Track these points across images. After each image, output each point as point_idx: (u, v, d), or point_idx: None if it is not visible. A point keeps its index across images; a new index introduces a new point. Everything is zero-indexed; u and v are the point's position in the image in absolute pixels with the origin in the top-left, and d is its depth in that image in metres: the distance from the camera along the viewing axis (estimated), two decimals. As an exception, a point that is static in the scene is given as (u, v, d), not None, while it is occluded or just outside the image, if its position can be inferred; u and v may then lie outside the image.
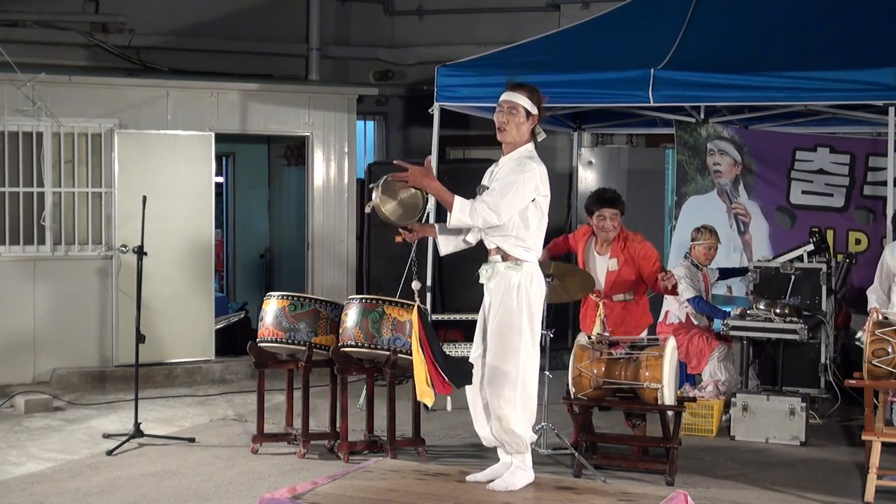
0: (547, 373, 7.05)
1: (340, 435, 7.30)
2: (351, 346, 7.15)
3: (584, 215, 11.66)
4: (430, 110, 9.05)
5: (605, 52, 9.01)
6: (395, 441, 7.20)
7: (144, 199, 8.01)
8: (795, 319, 7.97)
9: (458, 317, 9.61)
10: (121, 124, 10.04)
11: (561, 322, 9.80)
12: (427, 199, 5.46)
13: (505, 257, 5.39)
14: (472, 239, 5.52)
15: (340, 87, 11.61)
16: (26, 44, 10.95)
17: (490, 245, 5.44)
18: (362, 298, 7.24)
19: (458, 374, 5.51)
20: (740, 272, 9.34)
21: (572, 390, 6.97)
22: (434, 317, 8.49)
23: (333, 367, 7.40)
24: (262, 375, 7.70)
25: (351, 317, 7.17)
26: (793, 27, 8.92)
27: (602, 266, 7.44)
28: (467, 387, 5.55)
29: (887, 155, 8.17)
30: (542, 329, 6.04)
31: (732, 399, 8.05)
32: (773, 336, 8.12)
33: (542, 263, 5.57)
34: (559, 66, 8.85)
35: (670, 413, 6.97)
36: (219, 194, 11.77)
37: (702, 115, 9.97)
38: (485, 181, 5.49)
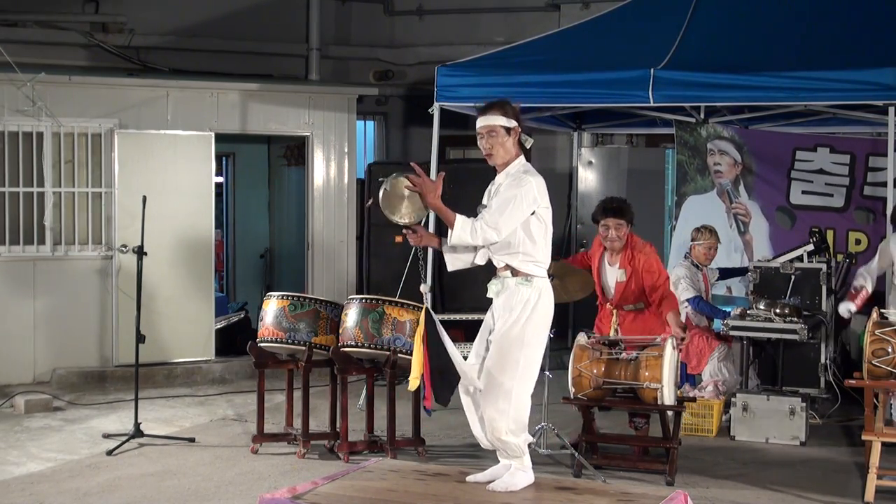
0: (547, 373, 7.05)
1: (340, 435, 7.30)
2: (351, 346, 7.15)
3: (583, 215, 11.81)
4: (430, 110, 9.06)
5: (605, 52, 9.01)
6: (395, 441, 7.20)
7: (144, 199, 8.01)
8: (795, 319, 7.97)
9: (458, 317, 9.61)
10: (121, 124, 10.04)
11: (561, 322, 9.80)
12: (426, 209, 5.47)
13: (515, 273, 5.40)
14: (480, 260, 5.52)
15: (340, 87, 11.61)
16: (26, 44, 10.95)
17: (499, 263, 5.44)
18: (362, 298, 7.24)
19: (442, 390, 5.47)
20: (740, 272, 9.34)
21: (572, 390, 6.97)
22: (435, 317, 8.47)
23: (333, 367, 7.40)
24: (262, 375, 7.70)
25: (351, 317, 7.17)
26: (793, 27, 8.93)
27: (612, 276, 7.39)
28: (461, 392, 5.54)
29: (887, 155, 8.17)
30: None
31: (732, 399, 8.05)
32: (773, 336, 8.12)
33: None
34: (559, 66, 8.85)
35: (670, 413, 6.97)
36: (219, 194, 11.77)
37: (702, 115, 9.97)
38: (484, 200, 5.49)
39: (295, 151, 12.04)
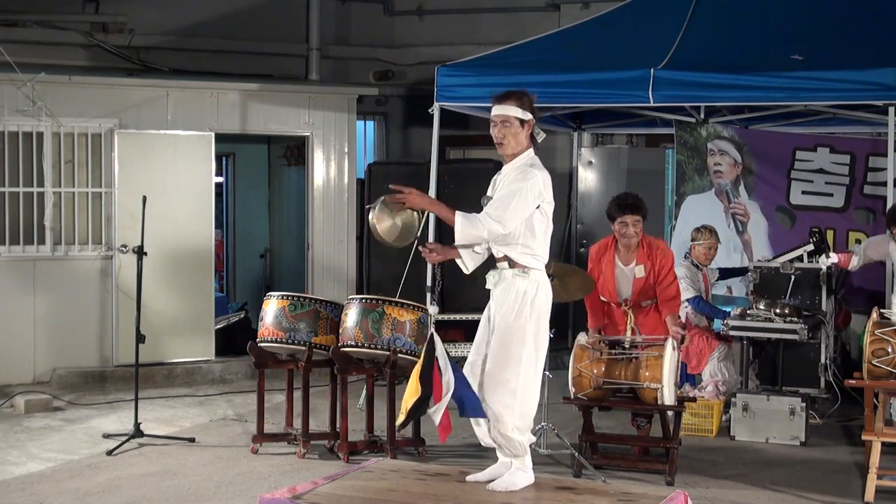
0: (547, 373, 7.05)
1: (340, 435, 7.30)
2: (351, 346, 7.15)
3: (583, 215, 11.81)
4: (430, 110, 9.05)
5: (605, 52, 9.01)
6: (395, 441, 7.20)
7: (144, 199, 8.01)
8: (795, 319, 7.97)
9: (458, 317, 9.61)
10: (121, 124, 10.04)
11: (561, 322, 9.80)
12: (422, 221, 5.46)
13: (512, 264, 5.38)
14: (481, 250, 5.51)
15: (340, 87, 11.61)
16: (26, 44, 10.94)
17: (498, 254, 5.43)
18: (362, 298, 7.24)
19: (414, 414, 5.42)
20: (740, 272, 9.34)
21: (572, 390, 6.97)
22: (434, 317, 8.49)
23: (333, 367, 7.40)
24: (262, 375, 7.70)
25: (351, 317, 7.17)
26: (793, 27, 8.92)
27: (629, 275, 7.29)
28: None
29: (887, 155, 8.17)
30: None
31: (732, 399, 8.05)
32: (773, 336, 8.12)
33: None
34: (559, 66, 8.85)
35: (670, 413, 6.97)
36: (219, 194, 11.77)
37: (702, 115, 9.97)
38: (489, 192, 5.47)
39: (295, 151, 12.03)
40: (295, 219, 12.01)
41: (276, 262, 12.90)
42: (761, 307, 8.11)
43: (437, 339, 5.35)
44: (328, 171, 10.98)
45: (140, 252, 7.92)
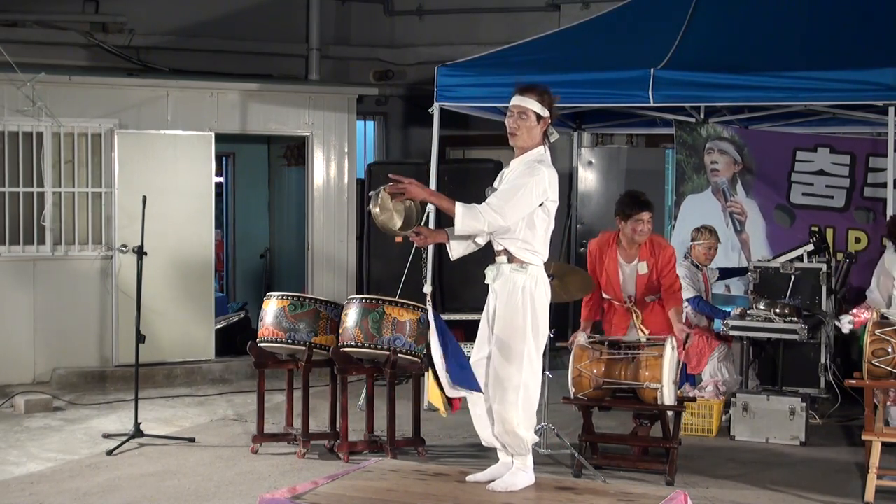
0: (547, 373, 7.05)
1: (340, 435, 7.30)
2: (351, 346, 7.15)
3: (583, 215, 11.81)
4: (430, 110, 9.05)
5: (605, 52, 9.01)
6: (395, 441, 7.20)
7: (144, 199, 8.01)
8: (795, 319, 7.97)
9: (458, 317, 9.60)
10: (121, 124, 10.04)
11: (561, 322, 9.79)
12: (422, 209, 5.45)
13: (511, 259, 5.38)
14: (480, 241, 5.50)
15: (340, 87, 11.61)
16: (26, 44, 10.95)
17: (497, 247, 5.42)
18: (362, 298, 7.24)
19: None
20: (740, 272, 9.34)
21: (572, 390, 6.97)
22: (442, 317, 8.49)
23: (333, 367, 7.40)
24: (262, 375, 7.70)
25: (351, 317, 7.17)
26: (793, 27, 8.92)
27: (632, 272, 7.32)
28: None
29: (887, 155, 8.16)
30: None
31: (732, 399, 8.05)
32: (773, 336, 8.12)
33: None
34: (559, 65, 8.85)
35: (670, 413, 6.97)
36: (219, 194, 11.77)
37: (702, 115, 9.97)
38: (496, 184, 5.47)
39: (295, 151, 12.03)
40: (295, 219, 12.01)
41: (276, 262, 12.90)
42: (761, 307, 8.11)
43: (431, 318, 5.37)
44: (328, 171, 10.98)
45: (140, 252, 7.92)
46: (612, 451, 7.27)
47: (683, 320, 8.60)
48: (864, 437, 6.58)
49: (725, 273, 9.34)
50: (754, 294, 8.50)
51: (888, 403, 7.25)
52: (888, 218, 7.93)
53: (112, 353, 9.96)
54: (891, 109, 7.97)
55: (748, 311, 8.17)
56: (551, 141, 5.50)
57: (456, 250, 5.53)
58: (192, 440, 7.79)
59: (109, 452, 7.42)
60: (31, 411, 8.69)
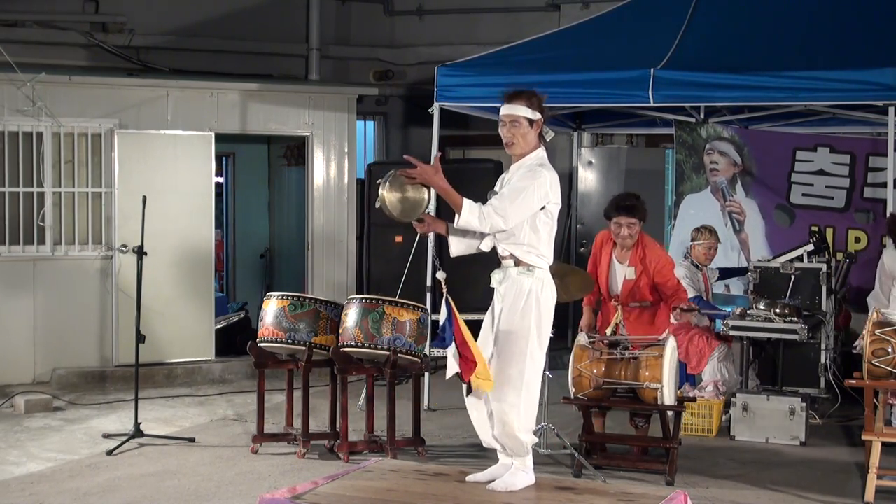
0: (547, 373, 7.05)
1: (340, 435, 7.30)
2: (351, 346, 7.15)
3: (583, 215, 11.81)
4: (430, 110, 9.05)
5: (605, 52, 9.01)
6: (395, 441, 7.20)
7: (144, 199, 8.01)
8: (795, 319, 7.97)
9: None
10: (121, 124, 10.04)
11: (561, 322, 9.78)
12: (430, 197, 5.44)
13: (517, 263, 5.38)
14: (485, 247, 5.49)
15: (340, 87, 11.61)
16: (26, 44, 10.96)
17: (504, 253, 5.43)
18: (362, 298, 7.24)
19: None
20: (740, 272, 9.34)
21: (572, 390, 6.97)
22: (435, 317, 8.47)
23: (333, 367, 7.40)
24: (262, 375, 7.70)
25: (351, 317, 7.16)
26: (793, 27, 8.92)
27: (620, 273, 7.32)
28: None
29: (887, 155, 8.16)
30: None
31: (732, 399, 8.05)
32: (773, 336, 8.12)
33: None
34: (559, 65, 8.85)
35: (670, 413, 6.97)
36: (219, 194, 11.77)
37: (702, 115, 9.98)
38: (496, 188, 5.46)
39: (295, 151, 12.04)
40: (295, 219, 12.01)
41: (276, 262, 12.90)
42: (761, 307, 8.11)
43: (444, 305, 5.36)
44: (328, 171, 10.98)
45: (140, 252, 7.92)
46: (612, 451, 7.27)
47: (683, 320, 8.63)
48: (864, 437, 6.58)
49: (725, 273, 9.34)
50: (754, 294, 8.50)
51: (889, 401, 7.25)
52: (888, 215, 7.93)
53: (112, 353, 9.96)
54: (891, 109, 7.97)
55: (748, 311, 8.17)
56: (547, 140, 5.50)
57: (455, 246, 5.53)
58: (192, 440, 7.78)
59: (109, 452, 7.42)
60: (31, 411, 8.69)
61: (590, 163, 11.93)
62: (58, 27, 11.40)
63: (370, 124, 13.32)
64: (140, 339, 7.85)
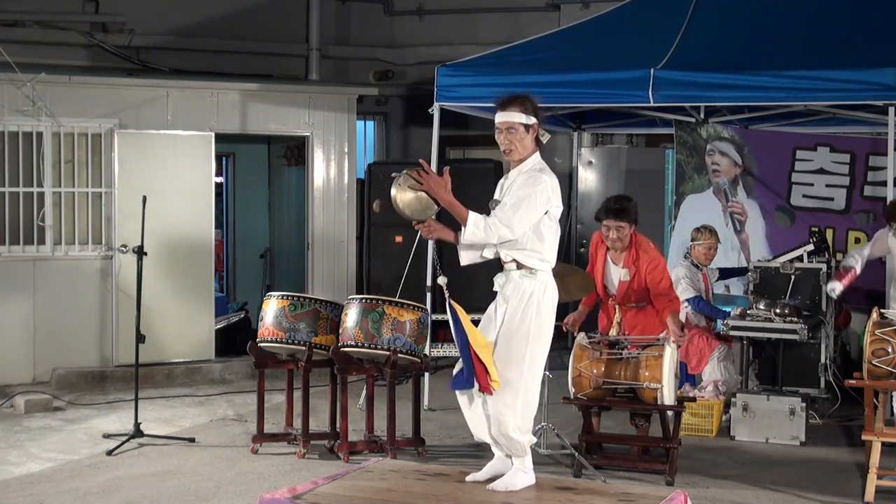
0: (547, 373, 7.05)
1: (340, 435, 7.30)
2: (351, 346, 7.15)
3: (583, 215, 11.81)
4: (430, 110, 9.05)
5: (605, 52, 9.01)
6: (395, 441, 7.20)
7: (144, 199, 8.01)
8: (795, 319, 7.97)
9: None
10: (121, 124, 10.04)
11: (561, 322, 9.78)
12: (438, 204, 5.43)
13: (520, 266, 5.39)
14: (488, 254, 5.47)
15: (340, 87, 11.61)
16: (26, 44, 10.96)
17: (506, 258, 5.43)
18: (362, 298, 7.24)
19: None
20: (740, 272, 9.34)
21: (572, 390, 6.97)
22: (435, 317, 8.50)
23: (333, 367, 7.40)
24: (262, 375, 7.70)
25: (351, 317, 7.16)
26: (793, 27, 8.92)
27: (615, 275, 7.32)
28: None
29: (887, 155, 8.16)
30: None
31: (732, 399, 8.05)
32: (773, 336, 8.13)
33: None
34: (559, 65, 8.85)
35: (670, 413, 6.97)
36: (219, 194, 11.77)
37: (702, 115, 9.98)
38: (496, 195, 5.46)
39: (295, 151, 12.04)
40: (295, 219, 12.01)
41: (276, 262, 12.90)
42: (761, 307, 8.11)
43: (449, 309, 5.35)
44: (328, 171, 10.98)
45: (140, 252, 7.92)
46: (612, 451, 7.27)
47: (683, 320, 8.62)
48: (864, 437, 6.58)
49: (725, 273, 9.34)
50: (754, 294, 8.50)
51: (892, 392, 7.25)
52: (888, 202, 7.93)
53: (112, 353, 9.96)
54: (891, 109, 7.97)
55: (748, 311, 8.17)
56: (544, 143, 5.49)
57: (465, 257, 5.52)
58: (192, 440, 7.79)
59: (109, 452, 7.43)
60: (31, 411, 8.69)
61: (590, 163, 11.93)
62: (58, 27, 11.41)
63: (370, 124, 13.32)
64: (140, 339, 7.85)
